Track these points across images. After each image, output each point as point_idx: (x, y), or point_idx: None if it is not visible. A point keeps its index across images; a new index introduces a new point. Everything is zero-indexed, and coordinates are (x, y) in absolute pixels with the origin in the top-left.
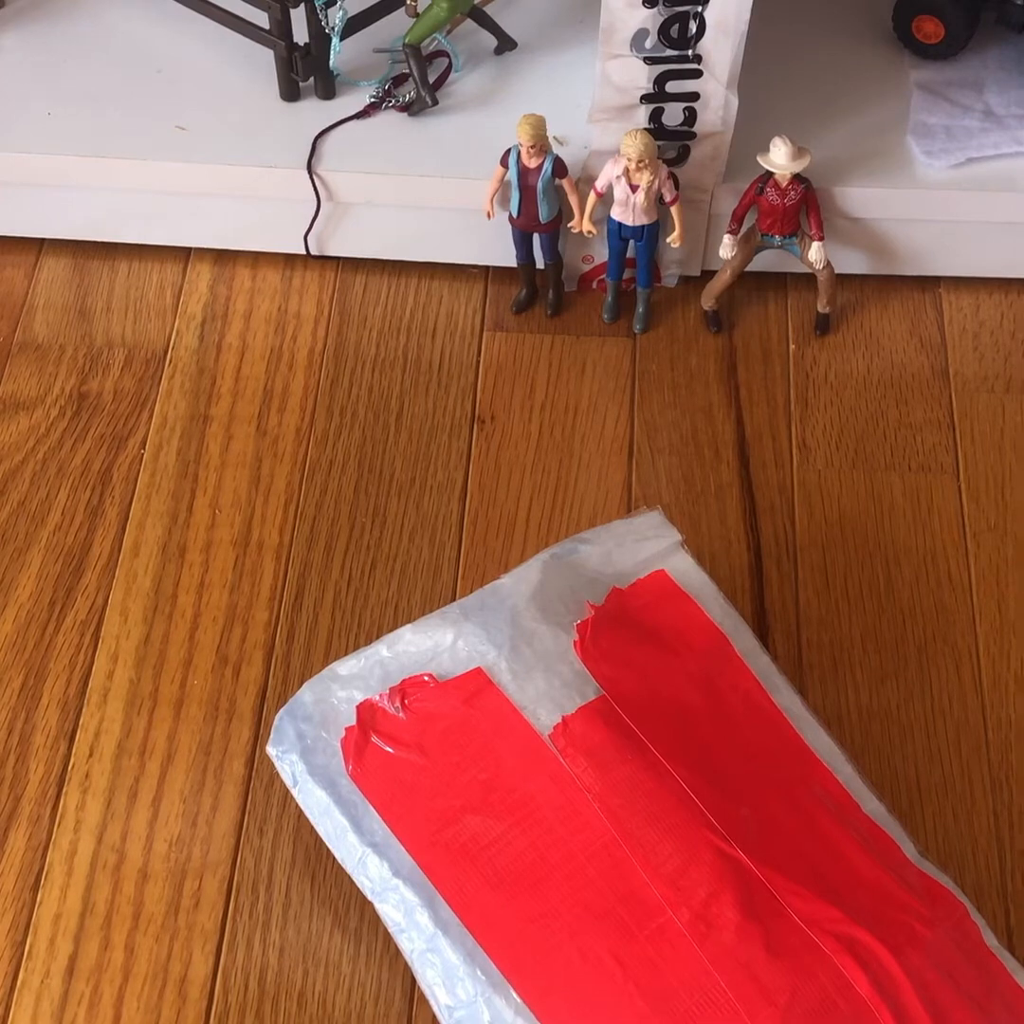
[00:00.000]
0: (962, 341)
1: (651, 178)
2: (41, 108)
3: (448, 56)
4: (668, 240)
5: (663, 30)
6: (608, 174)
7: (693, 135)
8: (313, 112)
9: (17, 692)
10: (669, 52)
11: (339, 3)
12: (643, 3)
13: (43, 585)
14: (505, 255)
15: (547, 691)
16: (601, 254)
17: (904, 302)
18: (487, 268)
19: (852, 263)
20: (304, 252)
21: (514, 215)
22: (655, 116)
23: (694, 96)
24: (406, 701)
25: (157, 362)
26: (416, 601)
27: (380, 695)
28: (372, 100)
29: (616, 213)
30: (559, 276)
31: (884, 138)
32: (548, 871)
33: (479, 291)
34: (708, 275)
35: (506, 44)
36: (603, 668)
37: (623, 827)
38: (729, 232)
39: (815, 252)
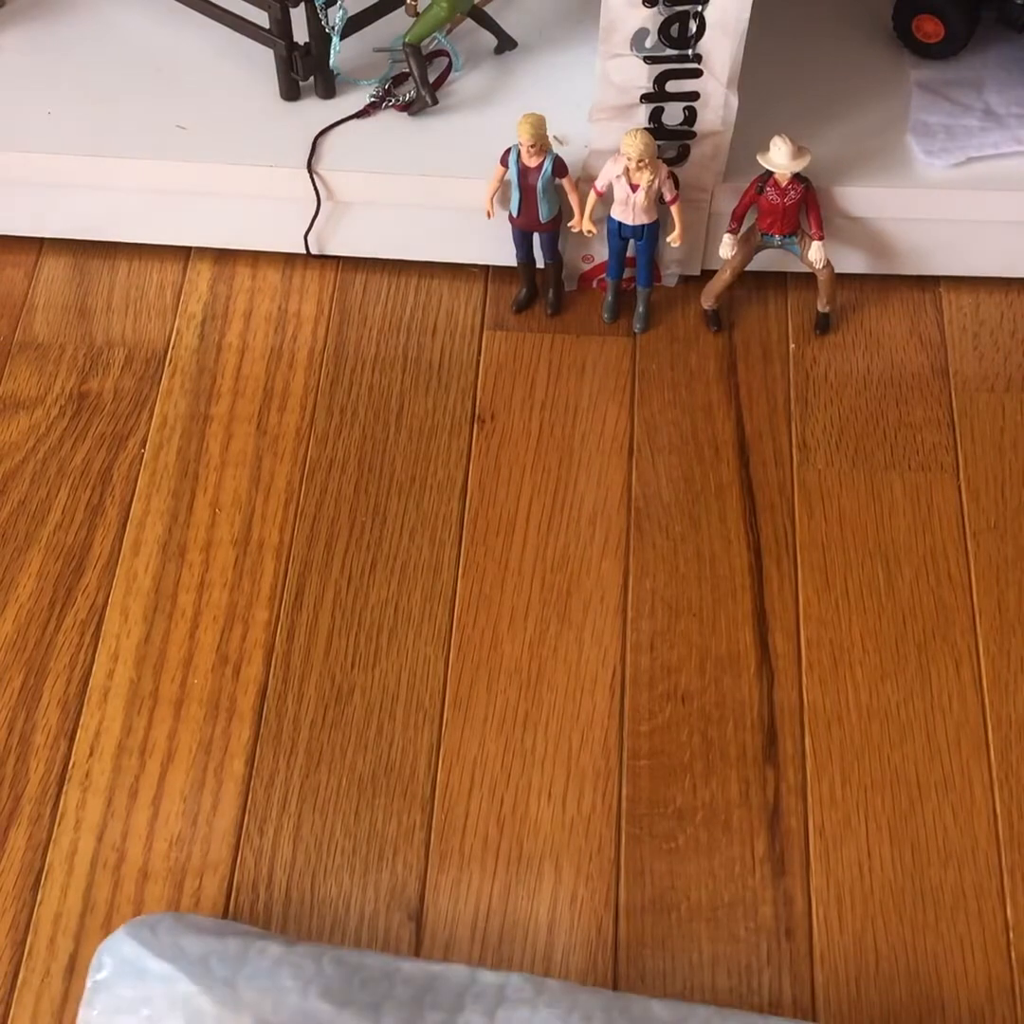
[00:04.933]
0: (962, 340)
1: (651, 177)
2: (41, 108)
3: (448, 55)
4: (668, 239)
5: (663, 29)
6: (608, 173)
7: (693, 134)
8: (313, 111)
9: (17, 691)
10: (669, 51)
11: (339, 2)
12: (643, 2)
13: (43, 584)
14: (505, 254)
15: None
16: (601, 253)
17: (904, 301)
18: (487, 267)
19: (852, 262)
20: (304, 251)
21: (514, 214)
22: (655, 115)
23: (694, 95)
24: None
25: (157, 361)
26: (416, 600)
27: None
28: (372, 99)
29: (616, 212)
30: (559, 275)
31: (884, 137)
32: None
33: (479, 290)
34: (708, 274)
35: (506, 44)
36: None
37: None
38: (729, 231)
39: (815, 251)
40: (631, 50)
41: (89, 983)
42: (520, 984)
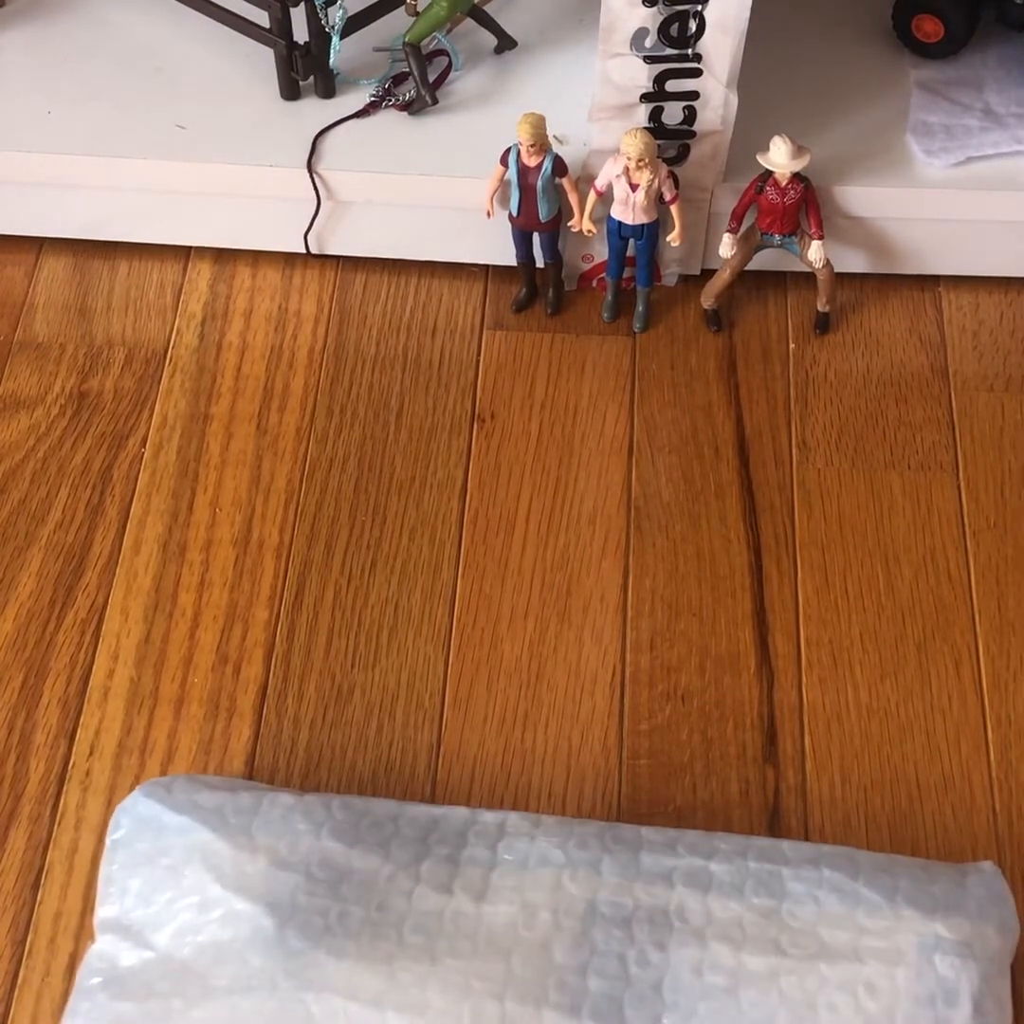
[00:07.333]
0: (962, 340)
1: (651, 177)
2: (41, 107)
3: (448, 55)
4: (668, 239)
5: (663, 29)
6: (608, 173)
7: (693, 134)
8: (313, 111)
9: (17, 690)
10: (669, 51)
11: (339, 2)
12: (643, 2)
13: (43, 584)
14: (505, 254)
15: None
16: (601, 253)
17: (904, 301)
18: (487, 267)
19: (852, 262)
20: (304, 251)
21: (514, 214)
22: (655, 115)
23: (694, 95)
24: None
25: (157, 361)
26: (416, 600)
27: None
28: (372, 99)
29: (616, 212)
30: (559, 275)
31: (884, 137)
32: None
33: (479, 290)
34: (708, 274)
35: (506, 43)
36: None
37: None
38: (729, 231)
39: (815, 251)
40: (631, 50)
41: (107, 842)
42: (518, 821)
